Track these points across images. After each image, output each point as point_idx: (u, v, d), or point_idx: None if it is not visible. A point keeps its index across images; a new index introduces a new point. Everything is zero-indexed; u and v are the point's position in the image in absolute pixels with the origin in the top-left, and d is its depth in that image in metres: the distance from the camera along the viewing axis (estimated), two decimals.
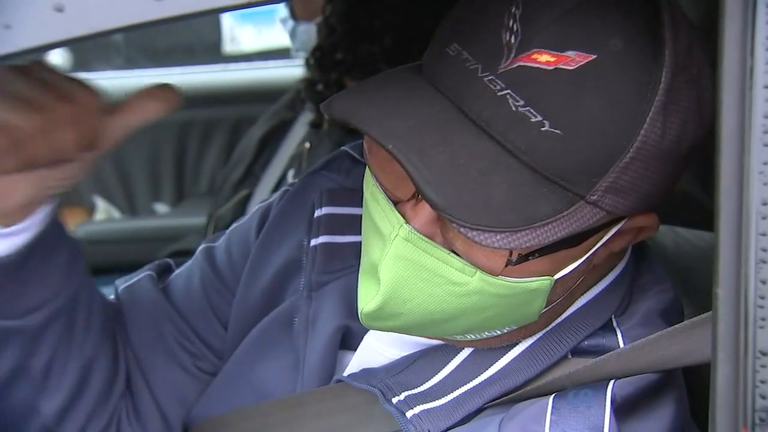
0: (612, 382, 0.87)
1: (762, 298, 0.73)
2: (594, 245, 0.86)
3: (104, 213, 2.78)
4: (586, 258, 0.86)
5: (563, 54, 0.79)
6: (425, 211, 0.84)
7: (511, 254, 0.82)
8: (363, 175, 0.92)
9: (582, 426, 0.84)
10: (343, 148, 1.15)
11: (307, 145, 2.16)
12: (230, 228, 1.17)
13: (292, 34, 2.33)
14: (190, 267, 1.15)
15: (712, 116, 0.80)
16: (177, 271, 1.15)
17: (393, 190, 0.87)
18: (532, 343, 0.93)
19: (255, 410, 1.02)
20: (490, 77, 0.80)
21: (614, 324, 0.94)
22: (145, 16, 0.72)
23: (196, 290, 1.12)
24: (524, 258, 0.82)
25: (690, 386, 0.95)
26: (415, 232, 0.84)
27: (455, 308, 0.85)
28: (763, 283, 0.73)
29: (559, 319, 0.93)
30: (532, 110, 0.79)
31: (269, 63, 3.21)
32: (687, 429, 0.93)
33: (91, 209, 2.79)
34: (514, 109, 0.79)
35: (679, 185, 0.94)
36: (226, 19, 3.85)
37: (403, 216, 0.85)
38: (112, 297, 1.13)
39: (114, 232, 2.63)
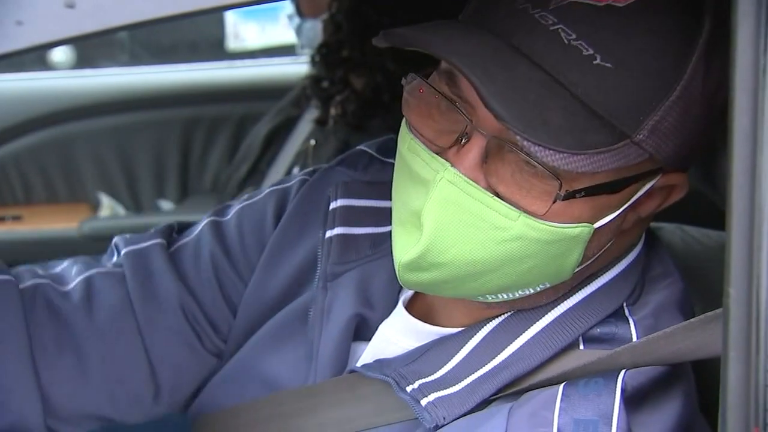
0: (623, 371, 0.88)
1: None
2: (631, 196, 0.88)
3: (108, 209, 2.78)
4: (623, 210, 0.88)
5: None
6: (469, 155, 0.86)
7: (560, 188, 0.83)
8: (379, 171, 0.93)
9: (591, 414, 0.85)
10: (359, 147, 1.15)
11: (313, 142, 2.16)
12: (240, 205, 1.15)
13: (298, 31, 2.34)
14: (197, 241, 1.13)
15: None
16: (183, 241, 1.13)
17: (434, 139, 0.89)
18: (544, 327, 0.93)
19: (269, 400, 1.03)
20: (542, 13, 0.83)
21: (627, 313, 0.94)
22: (154, 13, 0.73)
23: (205, 268, 1.11)
24: (572, 195, 0.84)
25: (700, 383, 0.95)
26: (460, 175, 0.86)
27: (496, 257, 0.86)
28: None
29: (571, 304, 0.94)
30: (584, 44, 0.82)
31: (274, 60, 3.21)
32: (695, 422, 0.93)
33: (95, 206, 2.79)
34: (566, 42, 0.82)
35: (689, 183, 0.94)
36: (230, 16, 3.84)
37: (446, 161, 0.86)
38: (114, 257, 1.11)
39: (118, 228, 2.61)
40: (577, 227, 0.85)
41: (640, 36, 0.82)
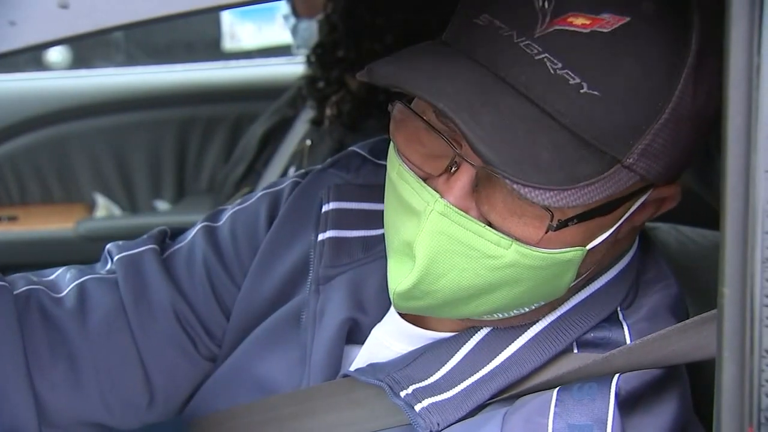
0: (617, 375, 0.87)
1: None
2: (623, 215, 0.87)
3: (105, 210, 2.78)
4: (615, 228, 0.87)
5: (598, 17, 0.81)
6: (459, 184, 0.85)
7: (552, 219, 0.83)
8: (372, 173, 0.92)
9: (586, 419, 0.85)
10: (351, 148, 1.15)
11: (309, 142, 2.16)
12: (233, 210, 1.15)
13: (294, 31, 2.34)
14: (190, 246, 1.12)
15: None
16: (176, 247, 1.13)
17: (422, 166, 0.88)
18: (538, 333, 0.93)
19: (263, 404, 1.02)
20: (527, 42, 0.82)
21: (620, 317, 0.94)
22: (149, 13, 0.73)
23: (198, 274, 1.11)
24: (563, 224, 0.83)
25: (694, 385, 0.95)
26: (451, 206, 0.85)
27: (489, 282, 0.86)
28: None
29: (565, 309, 0.94)
30: (570, 72, 0.80)
31: (270, 60, 3.20)
32: (690, 425, 0.93)
33: (91, 206, 2.79)
34: (552, 72, 0.81)
35: (682, 183, 0.94)
36: (226, 17, 3.84)
37: (436, 191, 0.86)
38: (108, 264, 1.11)
39: (114, 229, 2.63)
40: (569, 251, 0.85)
41: (627, 61, 0.81)
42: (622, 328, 0.93)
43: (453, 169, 0.85)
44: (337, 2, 1.95)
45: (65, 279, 1.09)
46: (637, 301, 0.95)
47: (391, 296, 0.90)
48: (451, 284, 0.87)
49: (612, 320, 0.94)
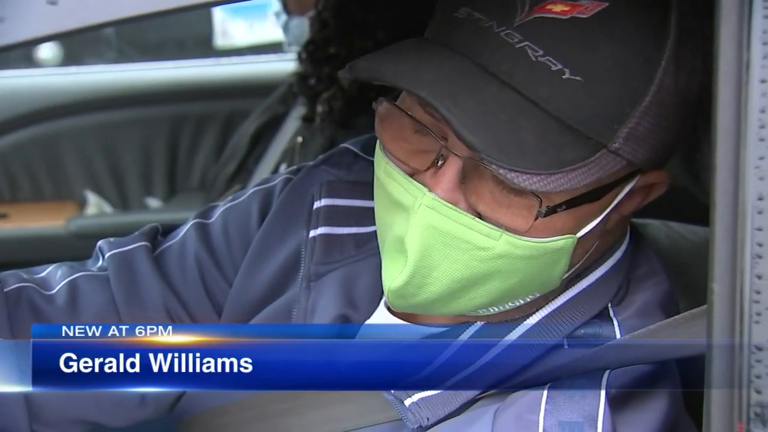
0: (607, 372, 0.88)
1: (758, 293, 0.73)
2: (611, 202, 0.87)
3: (95, 207, 2.77)
4: (604, 216, 0.87)
5: (577, 3, 0.81)
6: (446, 177, 0.85)
7: (540, 205, 0.83)
8: (364, 170, 0.92)
9: (576, 415, 0.85)
10: (343, 144, 1.15)
11: (300, 139, 2.15)
12: (224, 206, 1.14)
13: (285, 28, 2.33)
14: (182, 243, 1.12)
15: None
16: (168, 244, 1.12)
17: (408, 161, 0.88)
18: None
19: (253, 400, 1.02)
20: (507, 31, 0.82)
21: (611, 314, 0.94)
22: (137, 10, 0.72)
23: (190, 272, 1.10)
24: (552, 210, 0.83)
25: (685, 380, 0.95)
26: (439, 200, 0.85)
27: (482, 274, 0.86)
28: (759, 278, 0.73)
29: (556, 305, 0.94)
30: (551, 59, 0.81)
31: (261, 57, 3.20)
32: (681, 421, 0.93)
33: (82, 203, 2.78)
34: (533, 59, 0.81)
35: (672, 180, 0.94)
36: (218, 14, 3.83)
37: (423, 185, 0.86)
38: (99, 261, 1.10)
39: (105, 226, 2.63)
40: (560, 240, 0.85)
41: (608, 45, 0.82)
42: (613, 324, 0.93)
43: (439, 162, 0.86)
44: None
45: (56, 276, 1.09)
46: (628, 298, 0.96)
47: (386, 295, 0.90)
48: (444, 277, 0.87)
49: (603, 316, 0.94)
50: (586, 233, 0.87)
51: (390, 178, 0.89)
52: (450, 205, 0.85)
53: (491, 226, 0.85)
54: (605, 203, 0.87)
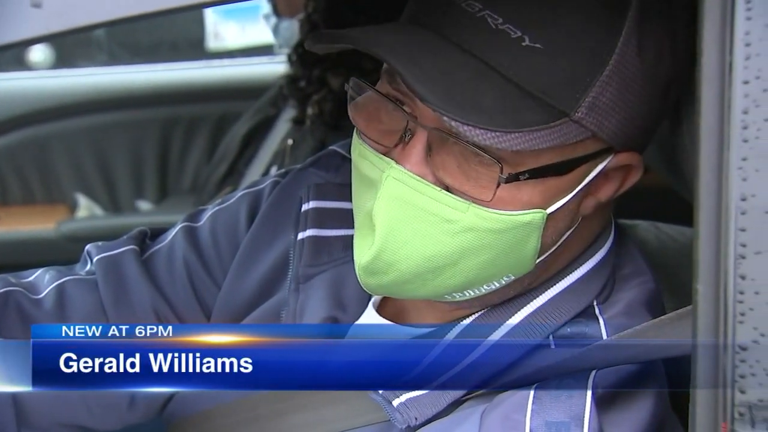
0: (594, 372, 0.88)
1: (741, 293, 0.73)
2: (582, 179, 0.88)
3: (86, 210, 2.77)
4: (575, 194, 0.88)
5: None
6: (413, 151, 0.86)
7: (502, 171, 0.83)
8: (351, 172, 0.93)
9: (563, 415, 0.85)
10: (331, 147, 1.15)
11: (290, 141, 2.16)
12: (213, 210, 1.15)
13: (275, 31, 2.34)
14: (171, 247, 1.12)
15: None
16: (156, 247, 1.13)
17: (380, 140, 0.89)
18: (514, 326, 0.93)
19: (243, 403, 1.02)
20: (468, 1, 0.84)
21: (597, 312, 0.94)
22: (124, 12, 0.72)
23: (179, 275, 1.10)
24: (515, 177, 0.84)
25: (672, 380, 0.96)
26: (405, 171, 0.86)
27: (451, 250, 0.87)
28: (743, 278, 0.73)
29: (540, 303, 0.94)
30: (511, 27, 0.83)
31: (253, 59, 3.20)
32: (667, 421, 0.93)
33: (72, 206, 2.78)
34: (493, 27, 0.83)
35: (659, 180, 0.94)
36: (210, 16, 3.83)
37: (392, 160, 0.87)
38: (87, 266, 1.10)
39: (96, 229, 2.62)
40: (528, 213, 0.86)
41: (567, 13, 0.83)
42: (599, 323, 0.93)
43: (407, 137, 0.87)
44: (318, 1, 1.95)
45: (44, 280, 1.09)
46: (614, 296, 0.96)
47: (356, 272, 0.91)
48: (414, 253, 0.87)
49: (588, 314, 0.94)
50: (556, 210, 0.87)
51: (362, 158, 0.90)
52: (417, 177, 0.86)
53: (458, 198, 0.85)
54: (575, 180, 0.87)
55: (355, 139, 0.92)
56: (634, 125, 0.88)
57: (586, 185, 0.88)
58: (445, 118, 0.80)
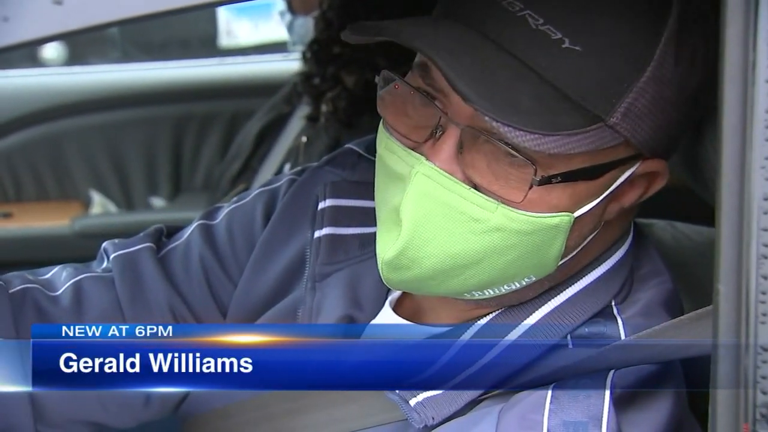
0: (612, 372, 0.87)
1: (764, 293, 0.73)
2: (610, 184, 0.87)
3: (100, 207, 2.78)
4: (603, 198, 0.87)
5: None
6: (444, 147, 0.86)
7: (535, 173, 0.83)
8: (368, 170, 0.93)
9: (581, 415, 0.85)
10: (347, 145, 1.15)
11: (304, 139, 2.15)
12: (229, 208, 1.15)
13: (290, 28, 2.34)
14: (187, 244, 1.12)
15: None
16: (173, 245, 1.13)
17: (409, 135, 0.89)
18: (532, 326, 0.93)
19: (258, 401, 1.02)
20: (509, 0, 0.83)
21: (615, 312, 0.94)
22: (142, 9, 0.73)
23: (195, 273, 1.10)
24: (547, 180, 0.84)
25: (690, 381, 0.95)
26: (435, 168, 0.86)
27: (476, 249, 0.86)
28: (765, 278, 0.73)
29: (559, 302, 0.94)
30: (551, 28, 0.82)
31: (266, 57, 3.20)
32: (685, 421, 0.93)
33: (86, 203, 2.79)
34: (534, 27, 0.82)
35: (677, 180, 0.94)
36: (222, 13, 3.84)
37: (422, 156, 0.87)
38: (104, 263, 1.10)
39: (110, 226, 2.63)
40: (556, 216, 0.85)
41: (609, 18, 0.82)
42: (617, 323, 0.93)
43: (438, 133, 0.86)
44: None
45: (61, 277, 1.09)
46: (632, 296, 0.95)
47: (379, 267, 0.90)
48: (439, 251, 0.87)
49: (606, 314, 0.94)
50: (583, 214, 0.87)
51: (390, 151, 0.89)
52: (447, 174, 0.85)
53: (487, 197, 0.85)
54: (603, 185, 0.87)
55: (382, 132, 0.92)
56: (664, 133, 0.88)
57: (612, 191, 0.88)
58: (486, 118, 0.80)
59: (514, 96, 0.81)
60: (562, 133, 0.81)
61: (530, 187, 0.84)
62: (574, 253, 0.91)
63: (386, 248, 0.89)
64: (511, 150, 0.83)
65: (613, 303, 0.95)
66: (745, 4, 0.70)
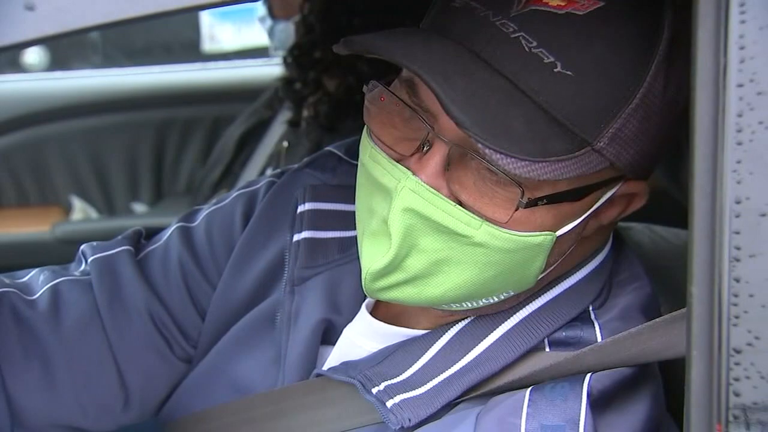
0: (589, 375, 0.88)
1: (735, 296, 0.73)
2: (592, 204, 0.88)
3: (81, 212, 2.76)
4: (584, 218, 0.88)
5: None
6: (431, 163, 0.86)
7: (522, 195, 0.83)
8: (348, 174, 0.92)
9: (558, 419, 0.85)
10: (327, 148, 1.15)
11: (286, 143, 2.15)
12: (208, 210, 1.14)
13: (271, 33, 2.33)
14: (165, 247, 1.12)
15: None
16: (151, 248, 1.12)
17: (394, 147, 0.89)
18: (509, 329, 0.93)
19: (238, 404, 1.02)
20: (503, 20, 0.83)
21: (592, 316, 0.94)
22: (117, 15, 0.72)
23: (174, 275, 1.10)
24: (534, 203, 0.84)
25: (668, 383, 0.96)
26: (422, 183, 0.86)
27: (458, 257, 0.86)
28: (737, 281, 0.73)
29: (536, 306, 0.94)
30: (544, 51, 0.82)
31: (248, 62, 3.20)
32: (663, 423, 0.93)
33: (67, 209, 2.77)
34: (527, 50, 0.82)
35: (654, 183, 0.94)
36: (205, 18, 3.83)
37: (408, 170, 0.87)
38: (82, 266, 1.10)
39: (91, 232, 2.61)
40: (539, 235, 0.86)
41: (600, 44, 0.82)
42: (594, 327, 0.93)
43: (425, 148, 0.86)
44: (314, 3, 1.95)
45: (38, 281, 1.09)
46: (610, 301, 0.96)
47: (363, 276, 0.90)
48: (422, 264, 0.87)
49: (583, 319, 0.94)
50: (564, 233, 0.87)
51: (374, 162, 0.89)
52: (432, 190, 0.85)
53: (472, 214, 0.85)
54: (586, 205, 0.87)
55: (367, 140, 0.91)
56: (649, 155, 0.88)
57: (593, 210, 0.88)
58: (479, 145, 0.80)
59: (506, 120, 0.80)
60: (551, 159, 0.81)
61: (516, 209, 0.84)
62: (552, 268, 0.91)
63: (374, 259, 0.89)
64: (500, 172, 0.83)
65: (590, 308, 0.95)
66: (716, 8, 0.70)
